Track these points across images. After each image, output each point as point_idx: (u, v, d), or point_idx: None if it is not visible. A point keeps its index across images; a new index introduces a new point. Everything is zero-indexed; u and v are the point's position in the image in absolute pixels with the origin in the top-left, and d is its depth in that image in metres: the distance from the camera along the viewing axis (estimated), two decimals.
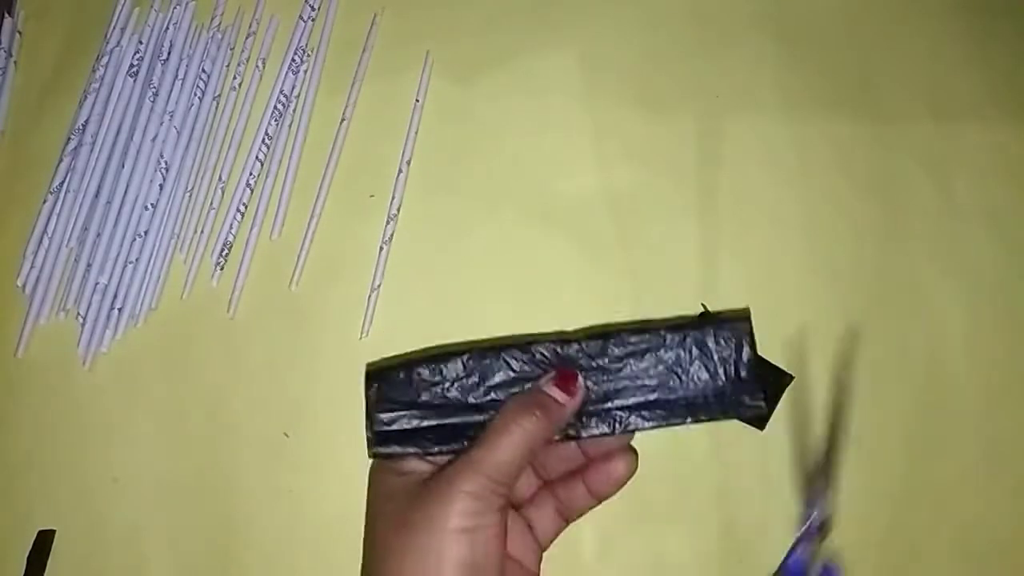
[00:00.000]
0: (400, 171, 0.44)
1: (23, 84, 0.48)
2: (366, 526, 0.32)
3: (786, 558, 0.34)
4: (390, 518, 0.30)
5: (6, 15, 0.48)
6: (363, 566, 0.31)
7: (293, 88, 0.46)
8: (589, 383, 0.33)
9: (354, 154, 0.45)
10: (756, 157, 0.45)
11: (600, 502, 0.34)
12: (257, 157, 0.45)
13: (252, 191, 0.45)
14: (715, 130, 0.45)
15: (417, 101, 0.46)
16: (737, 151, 0.45)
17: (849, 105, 0.46)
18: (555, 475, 0.35)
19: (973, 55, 0.47)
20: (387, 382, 0.34)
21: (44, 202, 0.44)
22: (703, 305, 0.42)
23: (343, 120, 0.45)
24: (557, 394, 0.32)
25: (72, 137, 0.45)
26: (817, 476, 0.33)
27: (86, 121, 0.46)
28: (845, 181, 0.44)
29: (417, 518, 0.29)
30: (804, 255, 0.43)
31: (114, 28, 0.47)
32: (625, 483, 0.34)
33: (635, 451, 0.35)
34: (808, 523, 0.33)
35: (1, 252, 0.45)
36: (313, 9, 0.47)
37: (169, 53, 0.47)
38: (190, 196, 0.45)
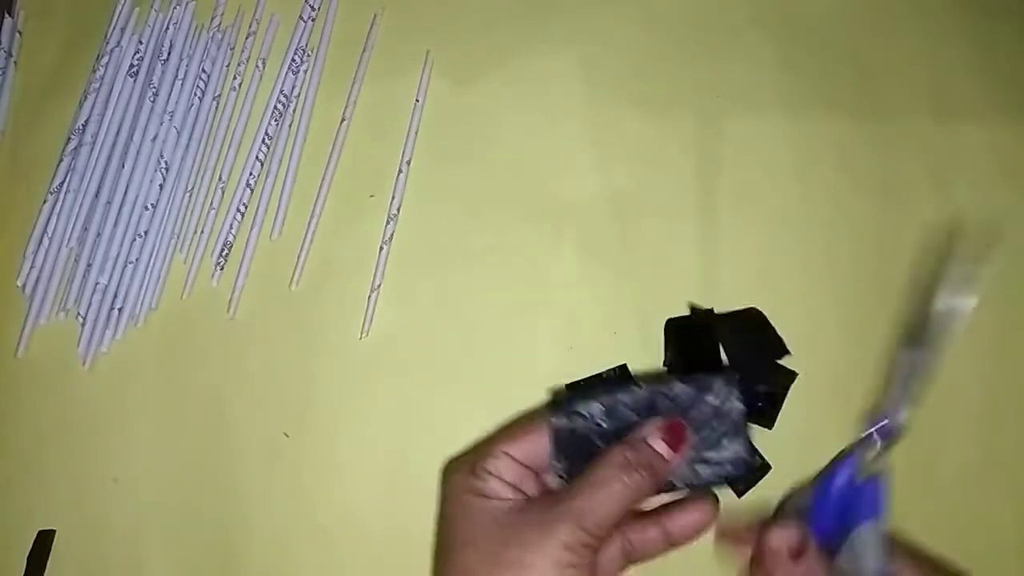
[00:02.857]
0: (400, 171, 0.44)
1: (23, 84, 0.48)
2: (443, 545, 0.31)
3: (837, 461, 0.32)
4: (479, 548, 0.29)
5: (6, 15, 0.49)
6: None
7: (293, 88, 0.46)
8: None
9: (354, 154, 0.45)
10: (756, 157, 0.45)
11: (674, 548, 0.33)
12: (257, 157, 0.45)
13: (252, 191, 0.45)
14: (715, 130, 0.45)
15: (417, 101, 0.46)
16: (737, 151, 0.45)
17: (849, 105, 0.46)
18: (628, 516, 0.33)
19: (973, 55, 0.47)
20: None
21: (44, 202, 0.44)
22: (690, 305, 0.42)
23: (343, 120, 0.45)
24: (663, 449, 0.31)
25: (72, 137, 0.45)
26: (900, 384, 0.32)
27: (86, 121, 0.46)
28: (845, 181, 0.44)
29: (508, 559, 0.28)
30: (804, 255, 0.43)
31: (114, 28, 0.47)
32: (706, 531, 0.33)
33: (716, 497, 0.33)
34: (872, 428, 0.32)
35: (1, 252, 0.45)
36: (313, 9, 0.47)
37: (169, 53, 0.47)
38: (190, 196, 0.45)
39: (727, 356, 0.40)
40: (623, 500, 0.29)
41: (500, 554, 0.28)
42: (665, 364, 0.41)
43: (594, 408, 0.32)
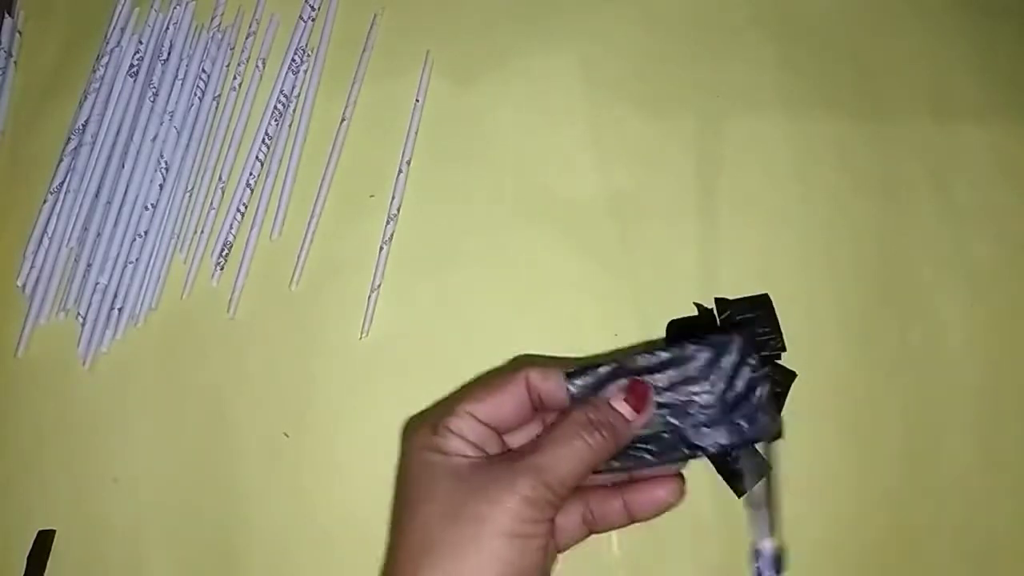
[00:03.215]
0: (400, 171, 0.44)
1: (23, 84, 0.48)
2: (402, 501, 0.30)
3: None
4: (438, 503, 0.29)
5: (6, 15, 0.49)
6: (397, 544, 0.30)
7: (293, 88, 0.46)
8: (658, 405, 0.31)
9: (354, 154, 0.45)
10: (756, 157, 0.45)
11: (633, 523, 0.33)
12: (257, 157, 0.45)
13: (252, 191, 0.45)
14: (715, 130, 0.45)
15: (417, 101, 0.46)
16: (737, 151, 0.45)
17: (849, 105, 0.46)
18: (589, 483, 0.32)
19: (973, 55, 0.47)
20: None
21: (44, 202, 0.44)
22: (696, 305, 0.42)
23: (343, 120, 0.45)
24: (625, 410, 0.31)
25: (72, 137, 0.45)
26: (760, 510, 0.32)
27: (86, 121, 0.46)
28: (845, 181, 0.44)
29: (467, 514, 0.28)
30: (804, 255, 0.43)
31: (114, 28, 0.47)
32: (668, 509, 0.32)
33: (683, 478, 0.32)
34: (756, 565, 0.32)
35: (1, 252, 0.45)
36: (313, 9, 0.47)
37: (169, 53, 0.47)
38: (190, 196, 0.45)
39: None
40: (584, 459, 0.29)
41: (459, 508, 0.28)
42: None
43: (605, 370, 0.32)
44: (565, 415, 0.31)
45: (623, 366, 0.32)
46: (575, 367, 0.32)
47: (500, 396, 0.31)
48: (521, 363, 0.32)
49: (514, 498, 0.28)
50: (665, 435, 0.31)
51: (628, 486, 0.33)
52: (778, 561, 0.31)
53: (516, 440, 0.33)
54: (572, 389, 0.31)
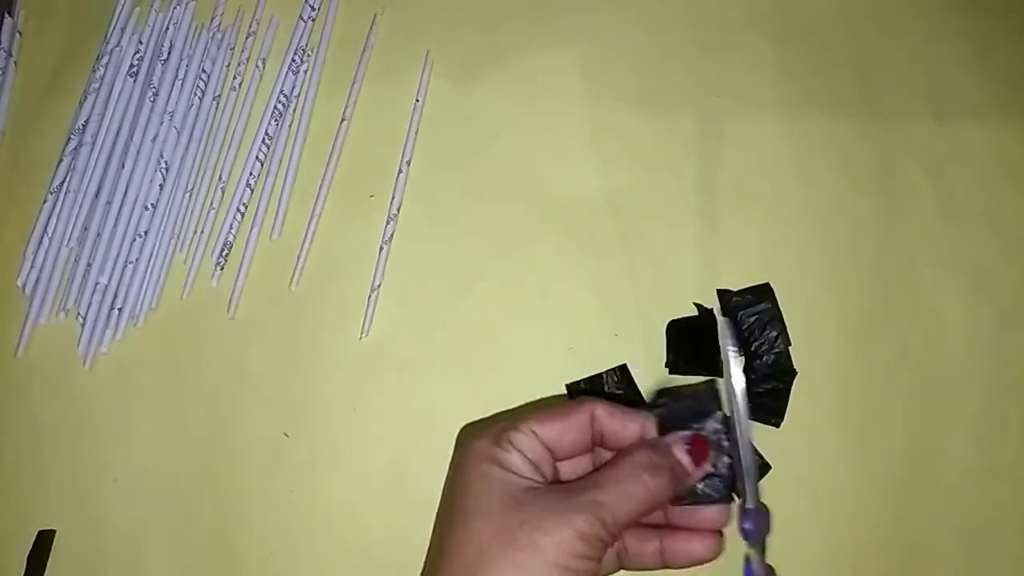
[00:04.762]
0: (400, 171, 0.44)
1: (23, 84, 0.48)
2: (454, 510, 0.30)
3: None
4: (492, 521, 0.29)
5: (6, 15, 0.48)
6: (449, 551, 0.29)
7: (293, 88, 0.46)
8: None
9: (354, 154, 0.45)
10: (756, 157, 0.45)
11: (665, 568, 0.32)
12: (257, 157, 0.45)
13: (252, 191, 0.45)
14: (715, 130, 0.45)
15: (417, 101, 0.46)
16: (737, 151, 0.45)
17: (849, 105, 0.46)
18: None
19: (973, 55, 0.47)
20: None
21: (44, 202, 0.44)
22: (696, 305, 0.42)
23: (343, 120, 0.45)
24: (686, 460, 0.30)
25: (72, 137, 0.45)
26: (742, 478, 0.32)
27: (86, 121, 0.46)
28: (845, 181, 0.44)
29: (522, 538, 0.28)
30: (804, 255, 0.43)
31: (114, 28, 0.47)
32: (702, 563, 0.32)
33: (722, 535, 0.32)
34: (742, 525, 0.32)
35: (1, 252, 0.44)
36: (313, 9, 0.47)
37: (169, 53, 0.47)
38: (190, 196, 0.45)
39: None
40: (642, 501, 0.29)
41: (514, 532, 0.28)
42: (667, 365, 0.41)
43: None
44: (625, 455, 0.31)
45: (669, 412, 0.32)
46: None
47: (565, 422, 0.31)
48: (586, 398, 0.32)
49: (569, 532, 0.28)
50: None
51: (668, 532, 0.32)
52: (760, 521, 0.31)
53: (565, 468, 0.33)
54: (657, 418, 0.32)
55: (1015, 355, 0.42)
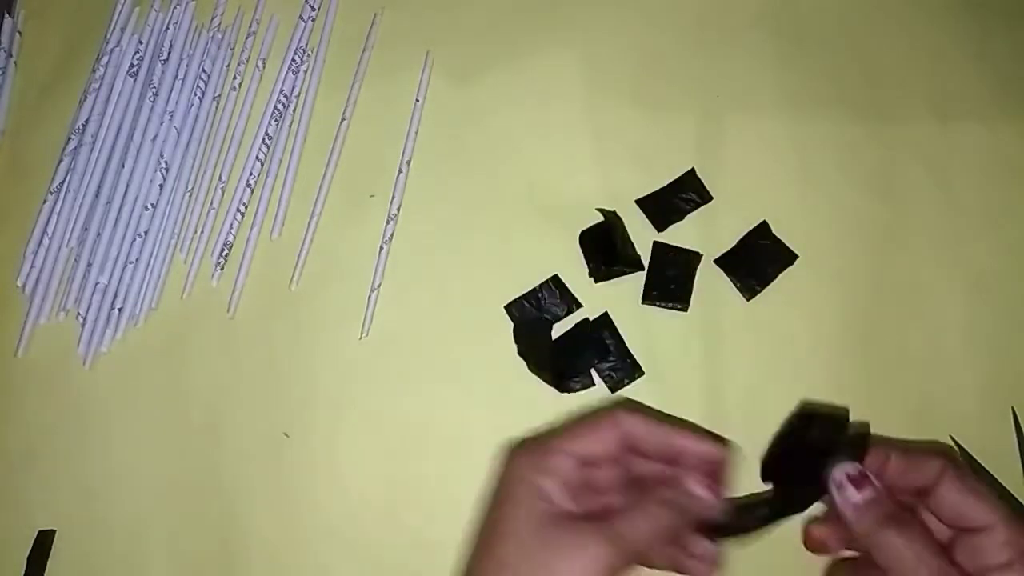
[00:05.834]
0: (400, 171, 0.44)
1: (23, 84, 0.48)
2: (490, 527, 0.32)
3: None
4: (520, 544, 0.30)
5: (6, 15, 0.48)
6: (472, 566, 0.31)
7: (293, 88, 0.46)
8: None
9: (354, 154, 0.45)
10: (756, 157, 0.45)
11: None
12: (257, 157, 0.45)
13: (252, 191, 0.45)
14: (715, 130, 0.45)
15: (417, 101, 0.46)
16: (737, 151, 0.45)
17: (849, 105, 0.46)
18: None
19: (973, 55, 0.47)
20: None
21: (44, 202, 0.44)
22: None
23: (343, 120, 0.45)
24: (702, 492, 0.32)
25: (72, 137, 0.45)
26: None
27: (86, 121, 0.46)
28: (845, 181, 0.44)
29: (543, 561, 0.29)
30: (804, 255, 0.43)
31: (114, 28, 0.47)
32: None
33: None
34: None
35: (1, 252, 0.44)
36: (313, 9, 0.47)
37: (169, 53, 0.47)
38: (190, 196, 0.45)
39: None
40: (657, 527, 0.31)
41: (536, 555, 0.30)
42: (590, 275, 0.42)
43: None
44: (649, 493, 0.32)
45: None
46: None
47: (599, 434, 0.33)
48: (616, 410, 0.33)
49: (587, 557, 0.29)
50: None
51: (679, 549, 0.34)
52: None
53: (601, 475, 0.34)
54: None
55: (1015, 355, 0.42)
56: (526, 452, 0.33)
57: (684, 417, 0.40)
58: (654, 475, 0.34)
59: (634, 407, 0.33)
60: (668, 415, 0.39)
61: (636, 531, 0.31)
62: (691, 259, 0.42)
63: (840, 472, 0.31)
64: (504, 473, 0.32)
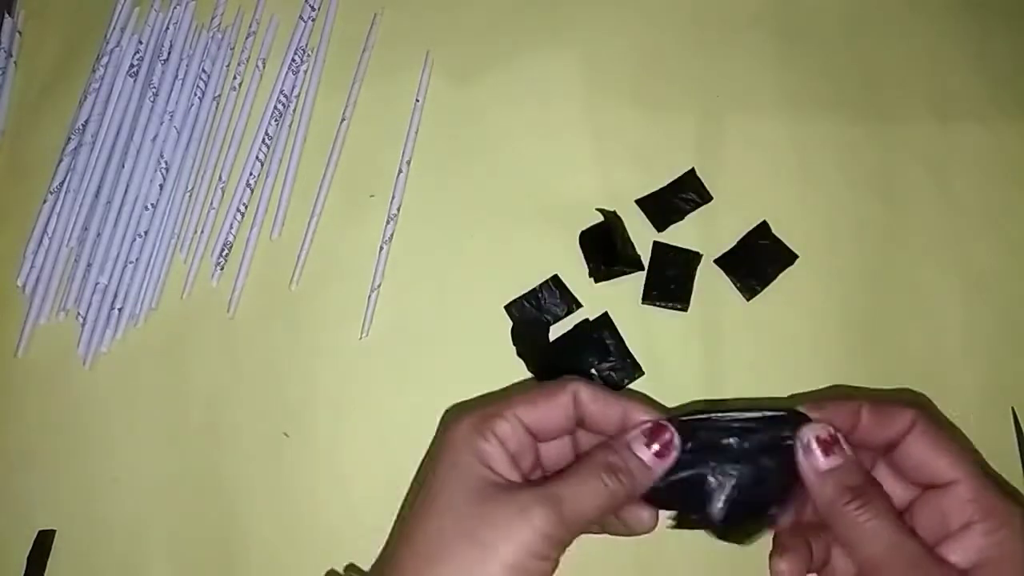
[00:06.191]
0: (400, 171, 0.44)
1: (23, 84, 0.48)
2: (424, 488, 0.30)
3: None
4: (452, 514, 0.29)
5: (6, 15, 0.48)
6: (406, 541, 0.29)
7: (293, 88, 0.46)
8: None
9: (354, 154, 0.45)
10: (756, 157, 0.45)
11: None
12: (257, 157, 0.45)
13: (252, 191, 0.45)
14: (715, 130, 0.45)
15: (417, 101, 0.46)
16: (737, 151, 0.45)
17: (849, 105, 0.46)
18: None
19: (973, 55, 0.47)
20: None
21: (44, 202, 0.44)
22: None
23: (343, 120, 0.45)
24: (647, 457, 0.30)
25: (72, 137, 0.45)
26: None
27: (86, 121, 0.46)
28: (845, 181, 0.44)
29: (479, 536, 0.28)
30: (804, 255, 0.43)
31: (114, 28, 0.47)
32: (640, 535, 0.31)
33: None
34: None
35: (1, 252, 0.44)
36: (313, 9, 0.47)
37: (169, 53, 0.47)
38: (190, 196, 0.45)
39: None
40: (600, 502, 0.29)
41: (473, 529, 0.28)
42: (590, 275, 0.42)
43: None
44: (589, 453, 0.30)
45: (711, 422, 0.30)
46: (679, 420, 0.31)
47: (548, 404, 0.31)
48: (570, 378, 0.31)
49: (527, 531, 0.27)
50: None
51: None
52: None
53: (547, 451, 0.32)
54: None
55: (1015, 355, 0.42)
56: (471, 415, 0.30)
57: None
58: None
59: (594, 384, 0.31)
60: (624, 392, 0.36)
61: (578, 499, 0.28)
62: (691, 259, 0.42)
63: (809, 432, 0.29)
64: (446, 436, 0.30)
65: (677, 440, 0.30)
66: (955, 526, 0.29)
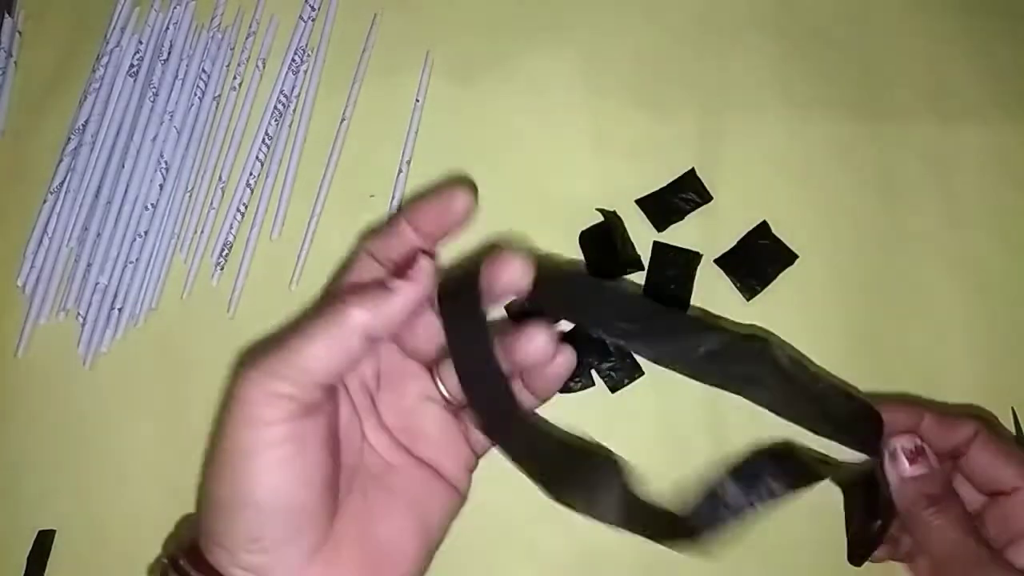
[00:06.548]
0: (400, 171, 0.44)
1: (23, 84, 0.48)
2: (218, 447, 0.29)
3: None
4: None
5: (6, 15, 0.48)
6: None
7: (293, 88, 0.46)
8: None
9: (354, 154, 0.45)
10: (756, 157, 0.45)
11: (543, 403, 0.33)
12: (257, 157, 0.45)
13: (252, 191, 0.45)
14: (715, 130, 0.45)
15: (417, 101, 0.46)
16: (737, 151, 0.45)
17: (850, 104, 0.46)
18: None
19: (973, 55, 0.47)
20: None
21: (44, 202, 0.44)
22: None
23: (343, 120, 0.45)
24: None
25: (72, 137, 0.45)
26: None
27: (86, 121, 0.46)
28: (846, 181, 0.44)
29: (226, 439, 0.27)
30: (805, 255, 0.43)
31: (114, 28, 0.47)
32: (566, 377, 0.31)
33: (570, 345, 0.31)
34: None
35: (1, 252, 0.44)
36: (313, 9, 0.47)
37: (169, 53, 0.47)
38: (190, 196, 0.45)
39: None
40: (336, 349, 0.27)
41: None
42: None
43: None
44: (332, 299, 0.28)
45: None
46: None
47: (330, 345, 0.28)
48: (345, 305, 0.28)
49: (248, 383, 0.27)
50: None
51: (525, 375, 0.31)
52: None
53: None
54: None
55: (1015, 355, 0.42)
56: (256, 371, 0.28)
57: (684, 419, 0.40)
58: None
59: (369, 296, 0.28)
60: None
61: (310, 349, 0.27)
62: (691, 259, 0.42)
63: (897, 442, 0.32)
64: (233, 393, 0.28)
65: (430, 266, 0.29)
66: (1019, 530, 0.31)
